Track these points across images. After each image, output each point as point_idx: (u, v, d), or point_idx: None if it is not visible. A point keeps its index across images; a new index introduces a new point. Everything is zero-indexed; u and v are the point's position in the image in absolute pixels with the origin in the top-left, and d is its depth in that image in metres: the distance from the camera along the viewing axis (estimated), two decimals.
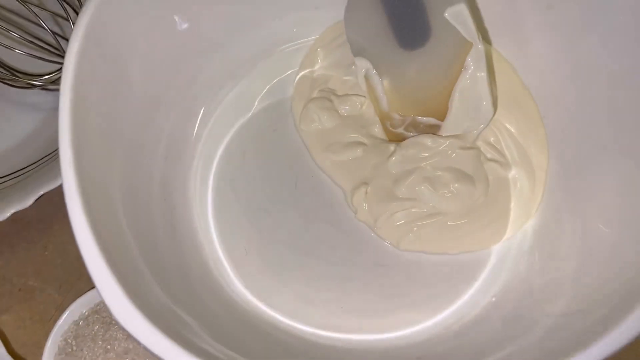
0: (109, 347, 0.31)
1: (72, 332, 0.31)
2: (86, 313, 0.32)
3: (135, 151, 0.31)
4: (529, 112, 0.35)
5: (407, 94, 0.34)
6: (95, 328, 0.31)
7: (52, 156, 0.37)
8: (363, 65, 0.34)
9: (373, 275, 0.33)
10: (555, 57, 0.33)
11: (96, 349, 0.31)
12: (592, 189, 0.31)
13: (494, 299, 0.32)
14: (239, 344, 0.26)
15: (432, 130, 0.34)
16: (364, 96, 0.36)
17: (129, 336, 0.31)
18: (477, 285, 0.33)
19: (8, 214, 0.35)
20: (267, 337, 0.29)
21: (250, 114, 0.37)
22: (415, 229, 0.34)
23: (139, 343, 0.23)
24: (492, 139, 0.35)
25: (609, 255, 0.27)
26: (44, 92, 0.40)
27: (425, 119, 0.34)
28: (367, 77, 0.34)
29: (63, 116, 0.25)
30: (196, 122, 0.36)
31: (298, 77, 0.38)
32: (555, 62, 0.33)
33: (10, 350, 0.33)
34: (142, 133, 0.32)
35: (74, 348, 0.31)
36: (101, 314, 0.32)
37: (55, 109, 0.38)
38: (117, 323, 0.25)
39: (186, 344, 0.21)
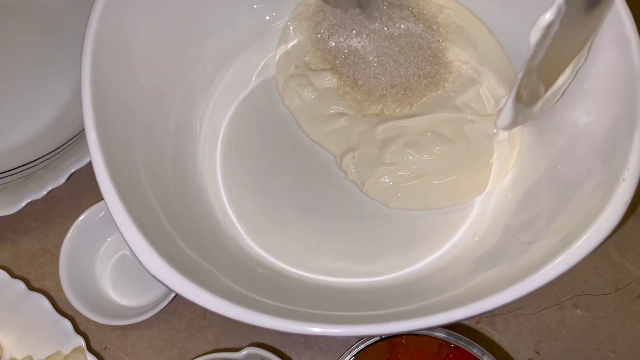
0: None
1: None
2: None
3: (149, 130, 0.33)
4: (507, 74, 0.36)
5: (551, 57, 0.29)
6: None
7: (78, 137, 0.39)
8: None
9: (366, 226, 0.36)
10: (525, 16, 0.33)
11: None
12: (559, 141, 0.33)
13: (476, 239, 0.34)
14: (250, 285, 0.29)
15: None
16: (331, 68, 0.38)
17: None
18: (462, 230, 0.35)
19: (44, 192, 0.38)
20: (272, 281, 0.32)
21: (249, 89, 0.39)
22: (402, 189, 0.35)
23: (166, 287, 0.25)
24: (473, 104, 0.36)
25: (571, 193, 0.30)
26: (65, 82, 0.42)
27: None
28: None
29: (86, 103, 0.28)
30: (200, 100, 0.38)
31: (277, 55, 0.39)
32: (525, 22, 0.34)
33: (56, 308, 0.36)
34: (153, 115, 0.34)
35: None
36: None
37: (76, 96, 0.40)
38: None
39: (205, 284, 0.25)
